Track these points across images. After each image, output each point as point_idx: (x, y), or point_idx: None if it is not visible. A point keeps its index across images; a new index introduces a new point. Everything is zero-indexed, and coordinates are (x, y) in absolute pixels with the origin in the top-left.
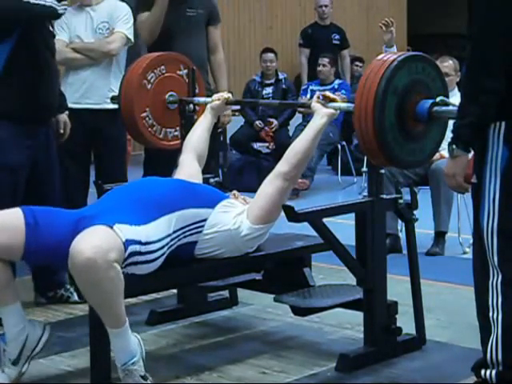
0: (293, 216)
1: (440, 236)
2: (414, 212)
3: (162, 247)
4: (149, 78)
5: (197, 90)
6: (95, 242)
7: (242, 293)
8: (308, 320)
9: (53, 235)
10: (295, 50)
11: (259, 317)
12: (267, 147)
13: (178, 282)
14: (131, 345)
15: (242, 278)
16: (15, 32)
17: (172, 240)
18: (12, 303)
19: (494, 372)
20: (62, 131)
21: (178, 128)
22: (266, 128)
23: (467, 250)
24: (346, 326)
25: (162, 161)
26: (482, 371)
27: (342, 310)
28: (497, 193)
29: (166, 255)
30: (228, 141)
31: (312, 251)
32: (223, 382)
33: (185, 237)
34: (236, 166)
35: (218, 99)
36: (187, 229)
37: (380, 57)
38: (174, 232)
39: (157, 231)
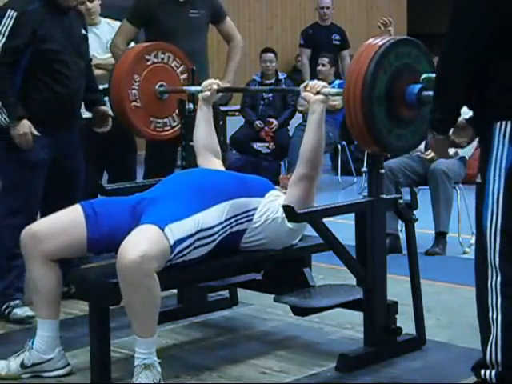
0: (293, 216)
1: (440, 236)
2: (414, 212)
3: (213, 234)
4: (135, 78)
5: (186, 76)
6: (143, 247)
7: (242, 293)
8: (308, 320)
9: (112, 220)
10: (295, 50)
11: (259, 317)
12: (267, 147)
13: (178, 282)
14: (153, 357)
15: (242, 278)
16: (29, 47)
17: (223, 228)
18: (53, 318)
19: (493, 372)
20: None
21: (169, 118)
22: (266, 128)
23: (467, 250)
24: (346, 326)
25: (163, 160)
26: (482, 371)
27: (341, 310)
28: (501, 193)
29: (216, 242)
30: (228, 141)
31: (312, 251)
32: (223, 382)
33: (236, 225)
34: (236, 165)
35: (208, 89)
36: (239, 217)
37: (368, 42)
38: (226, 220)
39: (210, 218)
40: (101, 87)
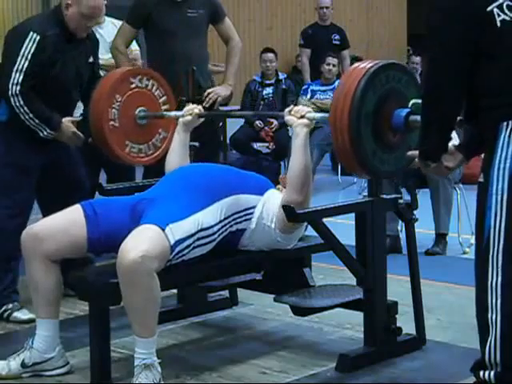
0: (293, 216)
1: (441, 237)
2: (414, 212)
3: (213, 234)
4: (116, 98)
5: (167, 106)
6: (144, 247)
7: (242, 293)
8: (308, 320)
9: (112, 221)
10: (295, 50)
11: (259, 317)
12: (267, 147)
13: (178, 282)
14: (153, 357)
15: (242, 278)
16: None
17: (223, 227)
18: (53, 318)
19: (492, 373)
20: None
21: (145, 145)
22: (266, 128)
23: (467, 250)
24: (346, 326)
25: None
26: (481, 372)
27: (341, 310)
28: (505, 193)
29: (216, 242)
30: (228, 141)
31: (312, 251)
32: (223, 382)
33: (235, 224)
34: (236, 165)
35: (190, 114)
36: (237, 215)
37: (357, 64)
38: (225, 218)
39: (210, 218)
40: None
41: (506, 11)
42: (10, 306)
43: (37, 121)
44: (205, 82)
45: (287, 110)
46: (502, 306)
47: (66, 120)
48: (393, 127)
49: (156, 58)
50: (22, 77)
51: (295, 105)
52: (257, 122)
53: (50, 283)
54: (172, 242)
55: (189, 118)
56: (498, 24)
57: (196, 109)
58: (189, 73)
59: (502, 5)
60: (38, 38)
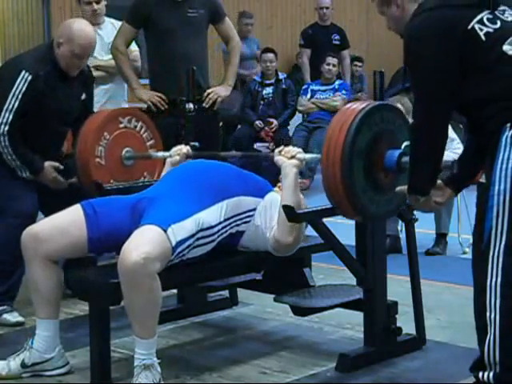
0: (293, 216)
1: (441, 237)
2: (414, 212)
3: (213, 234)
4: (104, 135)
5: (152, 149)
6: (146, 248)
7: (242, 293)
8: (308, 320)
9: (113, 220)
10: (295, 49)
11: (259, 317)
12: (267, 147)
13: (178, 282)
14: (152, 357)
15: (242, 278)
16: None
17: (223, 228)
18: (53, 318)
19: (491, 374)
20: None
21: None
22: (266, 128)
23: (467, 250)
24: (346, 326)
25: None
26: (480, 373)
27: (342, 310)
28: (507, 193)
29: (216, 242)
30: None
31: (312, 251)
32: (223, 382)
33: (236, 225)
34: (236, 166)
35: (178, 154)
36: (237, 218)
37: (348, 105)
38: (226, 220)
39: (210, 218)
40: (101, 87)
41: (488, 24)
42: (2, 308)
43: (18, 162)
44: (205, 82)
45: (277, 150)
46: (502, 306)
47: (48, 165)
48: (385, 167)
49: (156, 58)
50: (11, 117)
51: (295, 105)
52: (257, 122)
53: (50, 283)
54: (174, 243)
55: (177, 158)
56: (483, 38)
57: (184, 149)
58: (189, 73)
59: (482, 19)
60: (30, 77)
